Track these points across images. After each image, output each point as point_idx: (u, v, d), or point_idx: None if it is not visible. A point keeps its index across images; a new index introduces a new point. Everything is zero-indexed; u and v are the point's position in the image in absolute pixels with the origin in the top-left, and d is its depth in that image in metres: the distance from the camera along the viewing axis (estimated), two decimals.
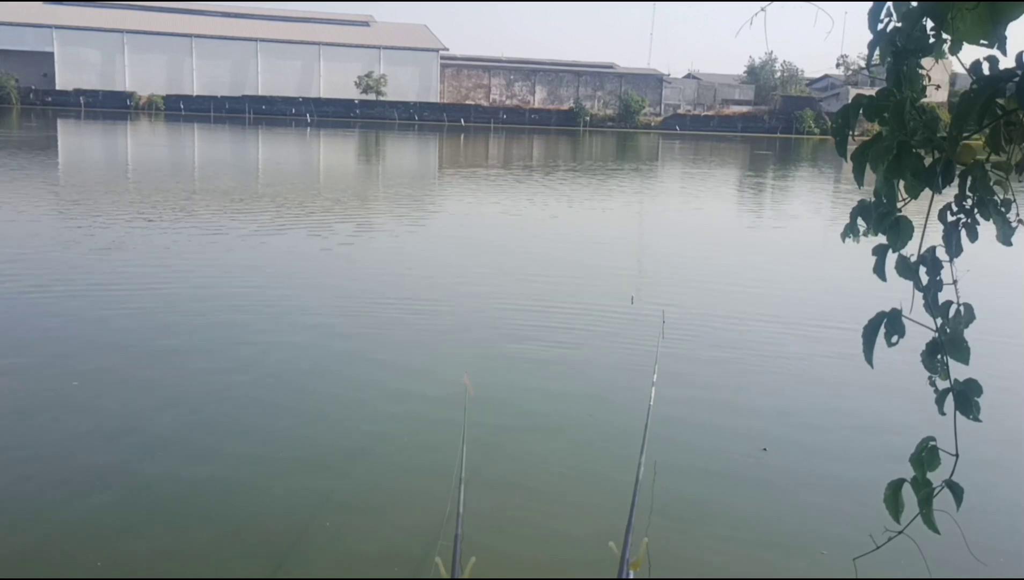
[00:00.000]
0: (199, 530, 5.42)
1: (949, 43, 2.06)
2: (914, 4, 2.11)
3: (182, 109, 78.01)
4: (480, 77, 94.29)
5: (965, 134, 2.08)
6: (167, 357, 8.76)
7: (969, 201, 2.19)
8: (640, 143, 67.61)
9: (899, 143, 2.14)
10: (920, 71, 2.18)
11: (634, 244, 19.07)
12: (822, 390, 8.70)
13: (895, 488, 2.27)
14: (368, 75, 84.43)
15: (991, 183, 2.17)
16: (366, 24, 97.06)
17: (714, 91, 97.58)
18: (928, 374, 2.25)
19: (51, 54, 79.59)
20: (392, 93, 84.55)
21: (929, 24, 2.10)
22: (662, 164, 47.60)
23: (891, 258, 2.27)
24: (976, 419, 2.15)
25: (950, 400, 2.21)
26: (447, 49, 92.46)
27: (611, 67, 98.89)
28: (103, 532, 5.33)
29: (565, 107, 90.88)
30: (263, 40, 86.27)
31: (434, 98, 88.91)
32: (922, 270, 2.22)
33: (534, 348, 9.65)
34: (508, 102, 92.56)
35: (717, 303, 12.29)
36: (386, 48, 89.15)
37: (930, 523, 2.19)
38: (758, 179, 40.23)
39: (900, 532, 2.34)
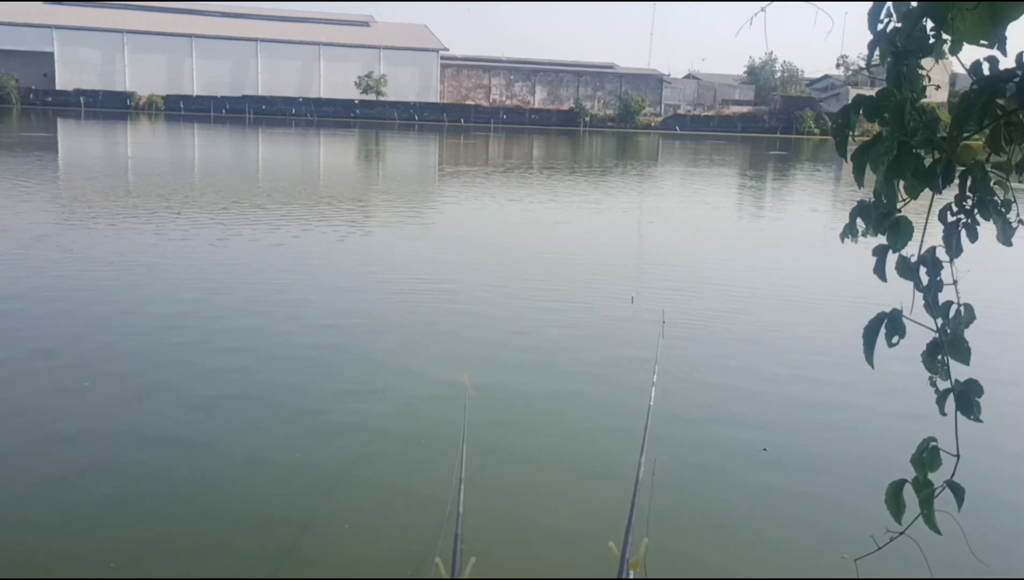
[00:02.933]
0: (199, 530, 5.42)
1: (949, 43, 2.06)
2: (914, 4, 2.11)
3: (182, 109, 78.00)
4: (480, 77, 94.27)
5: (965, 134, 2.08)
6: (167, 358, 8.75)
7: (969, 201, 2.19)
8: (640, 143, 67.61)
9: (899, 143, 2.13)
10: (920, 71, 2.17)
11: (634, 243, 19.07)
12: (822, 390, 8.69)
13: (896, 489, 2.26)
14: (368, 75, 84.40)
15: (991, 183, 2.17)
16: (366, 24, 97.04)
17: (714, 91, 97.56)
18: (929, 374, 2.25)
19: (51, 54, 79.58)
20: (392, 93, 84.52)
21: (929, 24, 2.10)
22: (663, 164, 47.60)
23: (891, 258, 2.26)
24: (977, 419, 2.15)
25: (951, 400, 2.21)
26: (447, 49, 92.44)
27: (611, 67, 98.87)
28: (102, 533, 5.33)
29: (565, 107, 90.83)
30: (263, 40, 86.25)
31: (434, 98, 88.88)
32: (922, 270, 2.22)
33: (534, 348, 9.65)
34: (508, 102, 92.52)
35: (717, 303, 12.28)
36: (386, 48, 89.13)
37: (931, 524, 2.19)
38: (760, 180, 40.23)
39: (901, 533, 2.34)
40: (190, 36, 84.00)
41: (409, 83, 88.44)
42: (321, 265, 14.16)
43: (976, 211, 2.19)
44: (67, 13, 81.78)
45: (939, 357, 2.22)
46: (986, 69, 2.03)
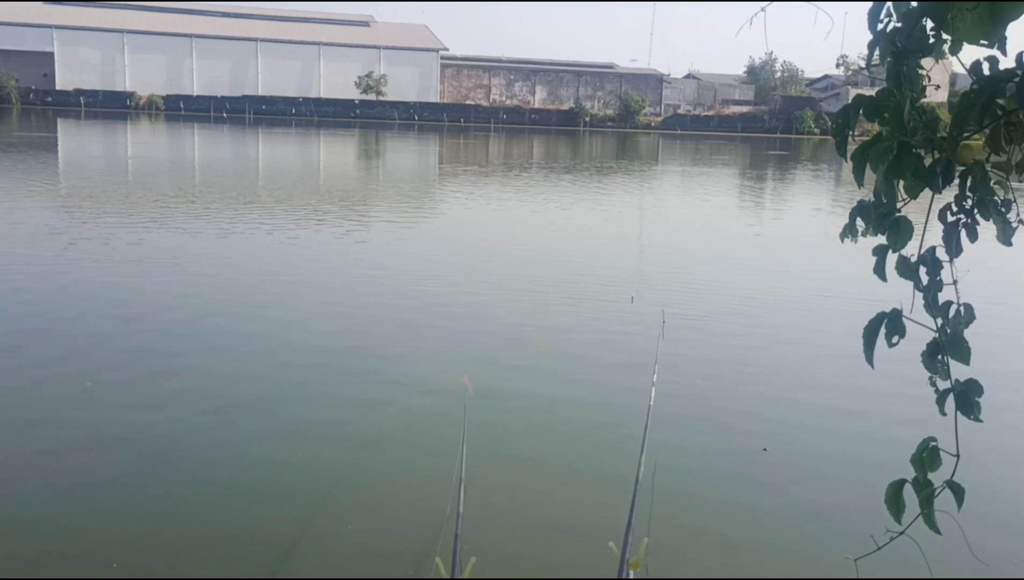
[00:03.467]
0: (199, 530, 5.42)
1: (949, 43, 2.06)
2: (914, 4, 2.11)
3: (182, 109, 77.99)
4: (480, 77, 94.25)
5: (965, 134, 2.08)
6: (169, 363, 8.76)
7: (969, 201, 2.18)
8: (640, 143, 67.60)
9: (899, 143, 2.13)
10: (920, 71, 2.17)
11: (634, 244, 19.07)
12: (822, 390, 8.69)
13: (896, 488, 2.26)
14: (368, 75, 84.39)
15: (991, 183, 2.17)
16: (366, 24, 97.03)
17: (714, 91, 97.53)
18: (929, 374, 2.24)
19: (51, 54, 79.57)
20: (392, 93, 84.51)
21: (929, 24, 2.10)
22: (663, 164, 47.58)
23: (891, 258, 2.26)
24: (977, 419, 2.15)
25: (951, 400, 2.20)
26: (447, 49, 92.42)
27: (611, 67, 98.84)
28: (104, 533, 5.33)
29: (565, 107, 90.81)
30: (263, 40, 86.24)
31: (434, 98, 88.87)
32: (922, 270, 2.21)
33: (534, 348, 9.65)
34: (508, 102, 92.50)
35: (717, 303, 12.28)
36: (386, 48, 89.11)
37: (931, 524, 2.19)
38: (760, 179, 40.23)
39: (901, 533, 2.33)
40: (190, 36, 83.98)
41: (409, 83, 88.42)
42: (321, 266, 14.16)
43: (976, 211, 2.19)
44: (67, 13, 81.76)
45: (939, 357, 2.21)
46: (986, 69, 2.03)
